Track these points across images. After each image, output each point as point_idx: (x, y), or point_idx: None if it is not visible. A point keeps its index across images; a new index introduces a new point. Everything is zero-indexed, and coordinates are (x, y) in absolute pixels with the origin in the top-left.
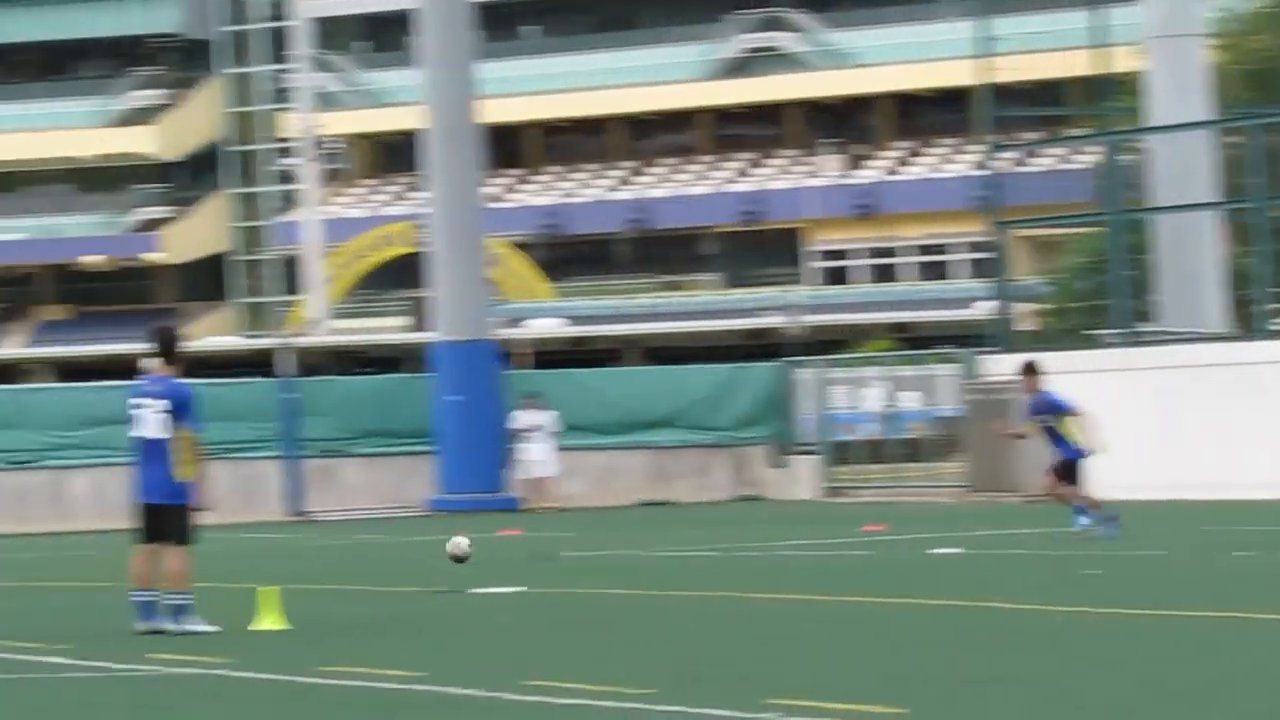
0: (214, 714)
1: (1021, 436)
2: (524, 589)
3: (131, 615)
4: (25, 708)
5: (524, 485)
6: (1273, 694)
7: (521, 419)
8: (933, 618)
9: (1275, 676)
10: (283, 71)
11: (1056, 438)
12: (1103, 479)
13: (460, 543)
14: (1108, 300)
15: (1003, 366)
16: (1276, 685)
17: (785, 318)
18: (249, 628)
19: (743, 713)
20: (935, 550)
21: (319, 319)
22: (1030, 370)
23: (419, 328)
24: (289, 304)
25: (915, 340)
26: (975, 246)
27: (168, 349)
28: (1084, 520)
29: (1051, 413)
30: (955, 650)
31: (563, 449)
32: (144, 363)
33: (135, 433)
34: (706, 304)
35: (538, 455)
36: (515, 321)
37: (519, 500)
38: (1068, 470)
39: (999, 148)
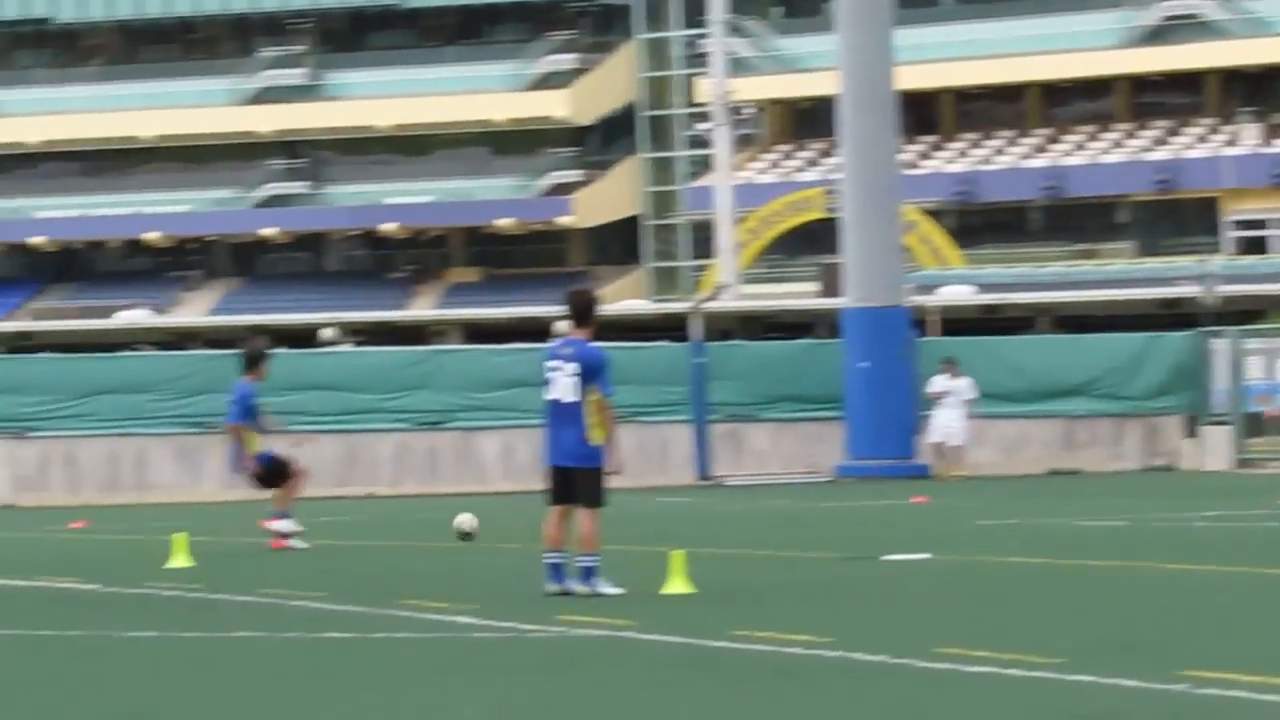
0: (622, 677)
1: None
2: (931, 556)
3: (541, 576)
4: (435, 667)
5: (931, 451)
6: None
7: (936, 384)
8: None
9: None
10: (697, 36)
11: None
12: None
13: (465, 520)
14: None
15: None
16: None
17: (1200, 287)
18: (660, 591)
19: (1153, 683)
20: None
21: (729, 284)
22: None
23: (828, 294)
24: (699, 269)
25: None
26: None
27: (582, 313)
28: None
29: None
30: None
31: (973, 417)
32: (557, 326)
33: (548, 396)
34: (1120, 273)
35: (946, 422)
36: (926, 289)
37: (929, 467)
38: None
39: None
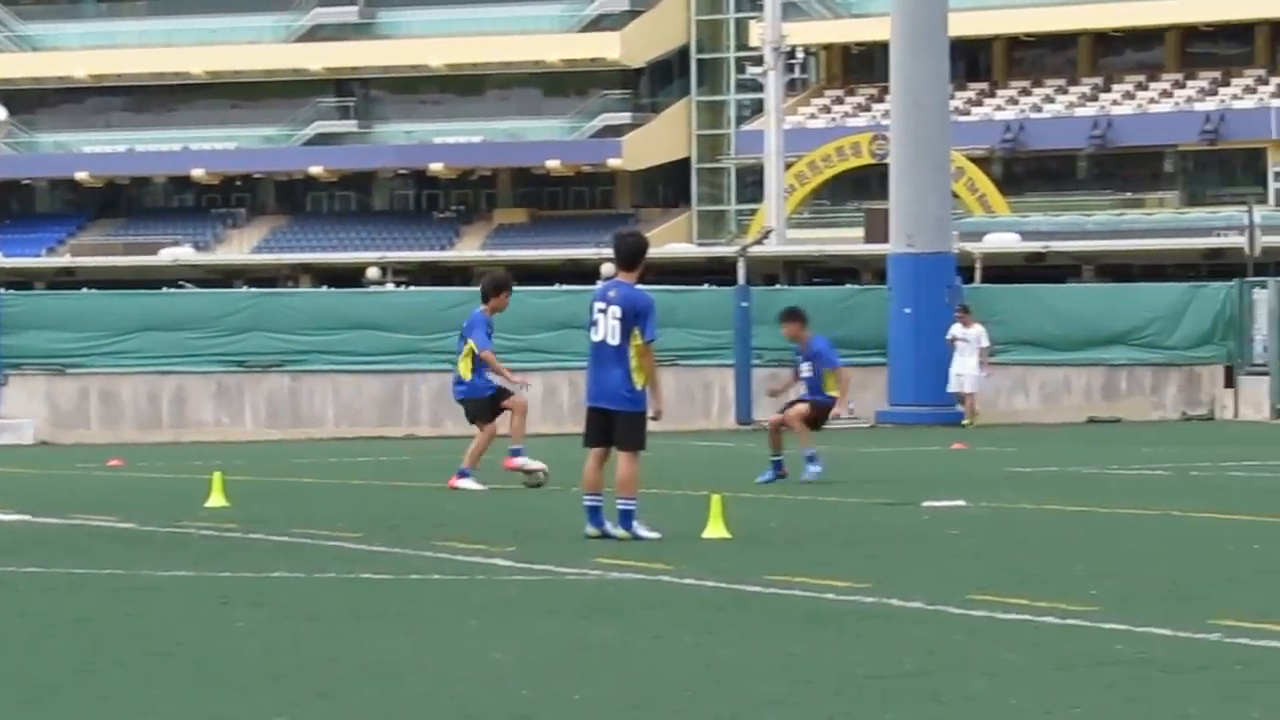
0: (659, 619)
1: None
2: (967, 504)
3: (580, 519)
4: (469, 609)
5: (968, 399)
6: None
7: (953, 331)
8: None
9: None
10: None
11: (815, 386)
12: None
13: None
14: None
15: None
16: None
17: (1245, 238)
18: (701, 535)
19: (1187, 632)
20: None
21: (775, 229)
22: (794, 317)
23: (873, 239)
24: (747, 213)
25: None
26: None
27: (629, 256)
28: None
29: (821, 361)
30: None
31: (1016, 363)
32: (604, 268)
33: (593, 338)
34: (1165, 222)
35: (959, 369)
36: (973, 236)
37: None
38: (820, 416)
39: None
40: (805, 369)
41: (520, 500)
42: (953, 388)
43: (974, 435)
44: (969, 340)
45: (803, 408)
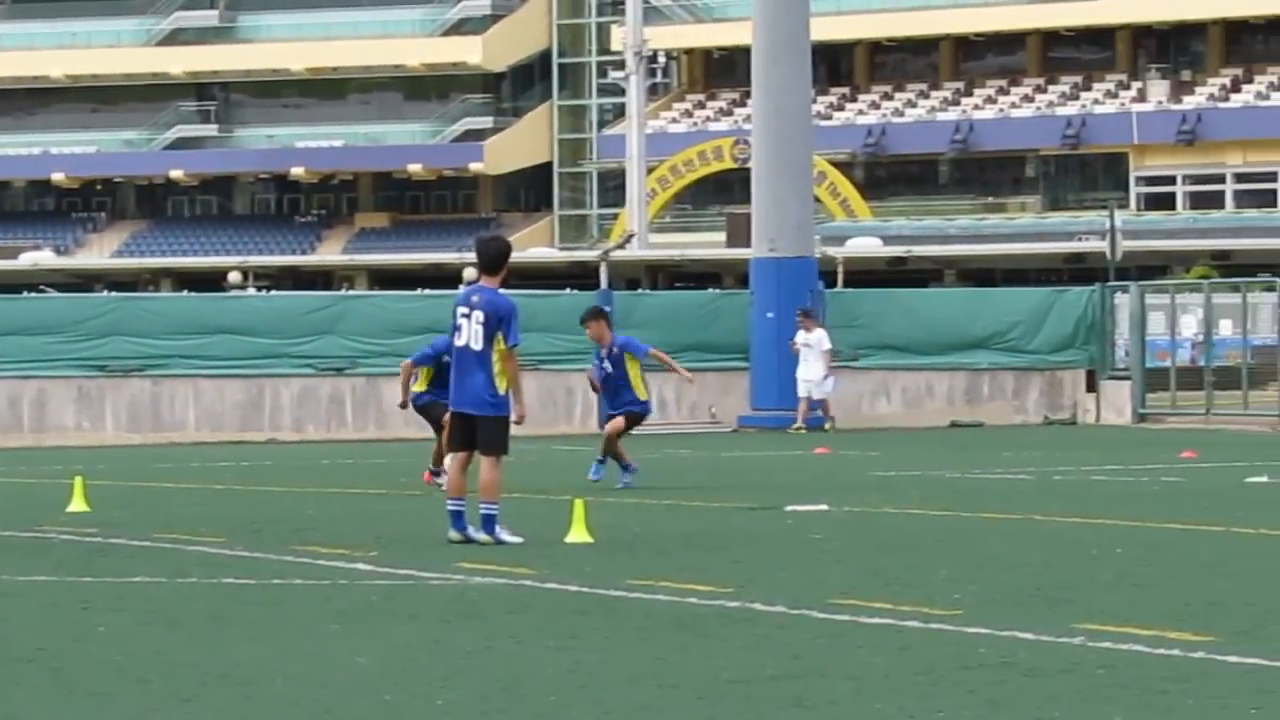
0: (522, 624)
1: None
2: (830, 508)
3: (443, 524)
4: (332, 614)
5: (802, 406)
6: None
7: (796, 337)
8: (1245, 546)
9: None
10: None
11: (624, 386)
12: None
13: None
14: None
15: None
16: None
17: (1106, 242)
18: (563, 540)
19: (1050, 636)
20: (1248, 479)
21: (638, 233)
22: (597, 315)
23: (735, 244)
24: (609, 217)
25: (1236, 268)
26: None
27: (491, 261)
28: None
29: (632, 350)
30: (1267, 579)
31: (879, 368)
32: (467, 273)
33: (456, 342)
34: (1027, 227)
35: (806, 375)
36: (834, 240)
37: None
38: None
39: None
40: (608, 366)
41: (383, 505)
42: (801, 393)
43: (836, 439)
44: (811, 345)
45: (618, 422)
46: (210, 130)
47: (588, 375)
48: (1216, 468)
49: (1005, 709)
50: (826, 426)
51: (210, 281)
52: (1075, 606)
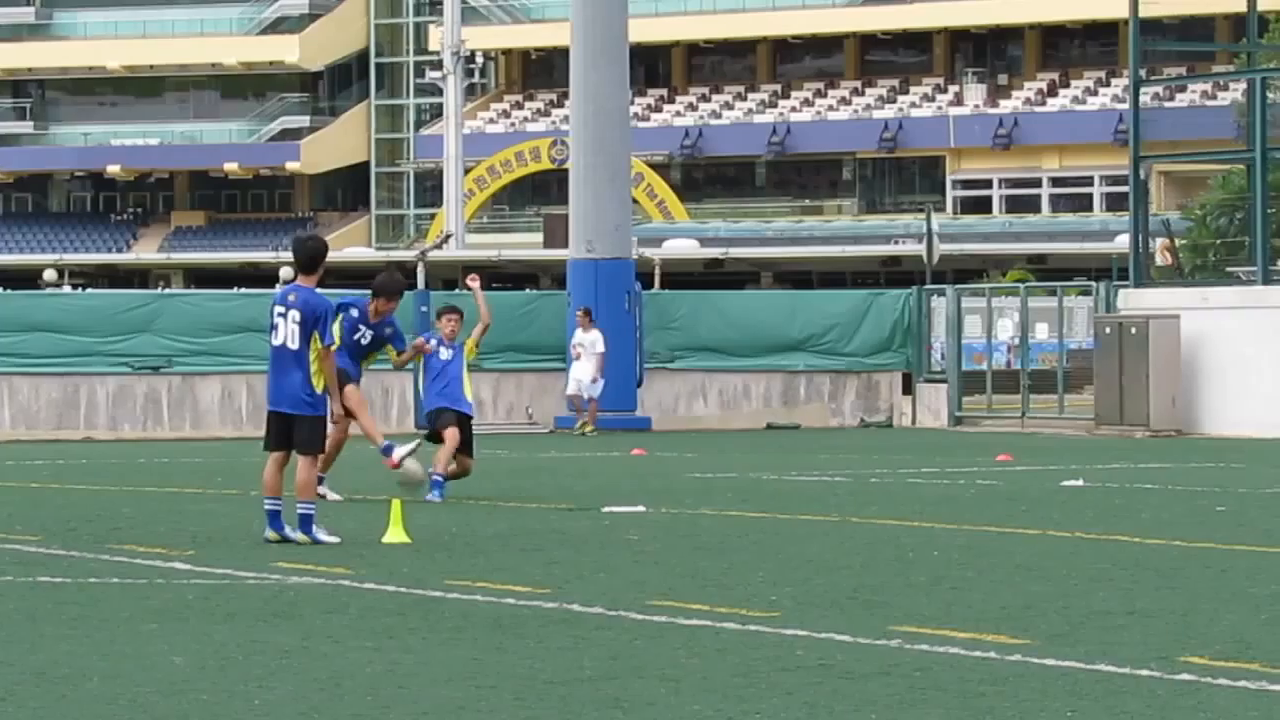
0: (339, 624)
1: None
2: (647, 509)
3: (260, 524)
4: (148, 613)
5: (571, 402)
6: None
7: (575, 335)
8: (1059, 549)
9: None
10: None
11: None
12: (1240, 417)
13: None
14: (1246, 238)
15: (1140, 301)
16: None
17: (921, 246)
18: (381, 540)
19: (867, 638)
20: (1063, 482)
21: (454, 233)
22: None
23: (552, 245)
24: (426, 217)
25: (1051, 272)
26: (1115, 180)
27: (308, 260)
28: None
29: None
30: (1081, 582)
31: (695, 369)
32: (283, 272)
33: (272, 342)
34: (843, 230)
35: (578, 374)
36: (652, 242)
37: (649, 420)
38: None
39: (1143, 82)
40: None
41: (199, 504)
42: (571, 391)
43: (653, 440)
44: (585, 346)
45: (455, 432)
46: (25, 127)
47: (419, 342)
48: (1032, 471)
49: (823, 711)
50: (579, 427)
51: (25, 280)
52: (892, 609)
